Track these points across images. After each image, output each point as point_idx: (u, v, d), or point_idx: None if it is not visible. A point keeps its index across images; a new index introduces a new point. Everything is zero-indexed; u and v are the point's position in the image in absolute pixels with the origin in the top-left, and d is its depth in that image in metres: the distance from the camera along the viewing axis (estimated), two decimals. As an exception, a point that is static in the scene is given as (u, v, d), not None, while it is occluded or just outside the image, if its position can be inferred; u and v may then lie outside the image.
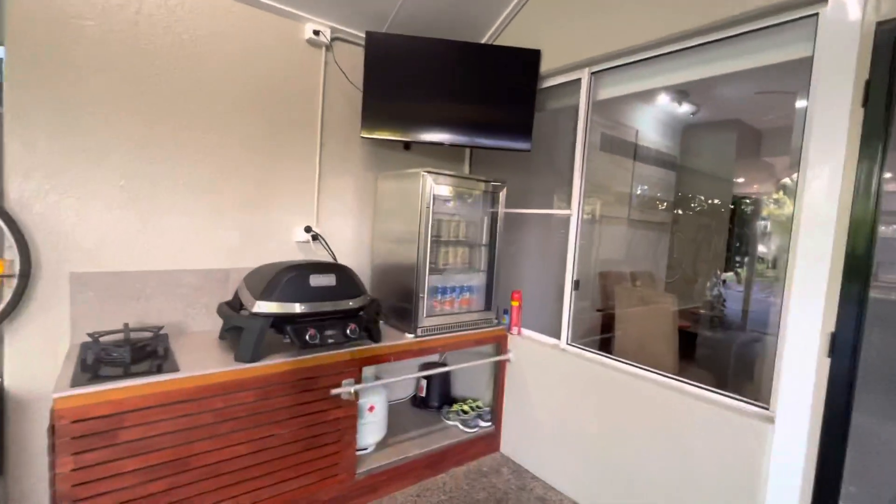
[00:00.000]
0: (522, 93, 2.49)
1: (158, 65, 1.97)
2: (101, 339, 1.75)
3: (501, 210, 2.59)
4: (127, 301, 1.97)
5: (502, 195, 2.58)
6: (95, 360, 1.63)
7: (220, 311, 1.91)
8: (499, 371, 2.66)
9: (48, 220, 1.78)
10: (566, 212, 2.43)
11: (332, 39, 2.42)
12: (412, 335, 2.27)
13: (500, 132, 2.51)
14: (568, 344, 2.40)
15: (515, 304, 2.60)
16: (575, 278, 2.39)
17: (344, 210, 2.60)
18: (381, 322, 2.40)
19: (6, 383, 1.75)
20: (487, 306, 2.64)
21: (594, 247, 2.83)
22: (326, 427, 1.95)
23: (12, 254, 1.70)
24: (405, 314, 2.32)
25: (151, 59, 1.95)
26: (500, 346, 2.64)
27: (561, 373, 2.33)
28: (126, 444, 1.50)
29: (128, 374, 1.56)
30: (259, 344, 1.77)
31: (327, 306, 1.89)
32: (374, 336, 2.11)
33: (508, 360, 2.61)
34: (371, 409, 2.23)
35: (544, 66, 2.49)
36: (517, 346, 2.58)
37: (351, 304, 1.96)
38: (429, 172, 2.24)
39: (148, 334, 1.85)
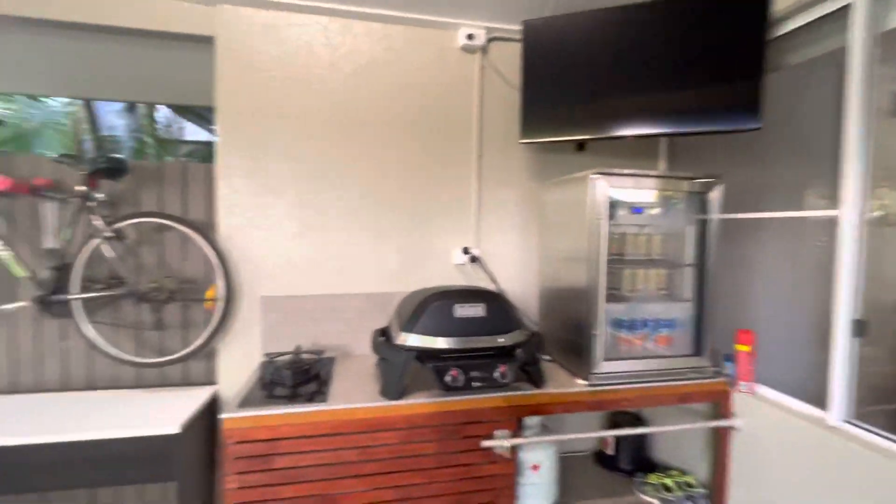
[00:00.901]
0: (743, 50, 1.76)
1: (325, 102, 2.09)
2: (276, 359, 1.88)
3: (715, 216, 1.87)
4: (304, 323, 2.11)
5: (716, 196, 1.87)
6: (269, 381, 1.74)
7: (372, 339, 1.85)
8: (719, 440, 1.90)
9: (245, 250, 2.04)
10: (830, 212, 1.57)
11: (488, 40, 2.20)
12: (585, 382, 1.79)
13: (711, 111, 1.82)
14: (843, 421, 1.51)
15: (744, 349, 1.83)
16: (856, 316, 1.50)
17: (505, 227, 2.32)
18: (547, 361, 2.00)
19: (220, 389, 2.05)
20: (697, 350, 1.93)
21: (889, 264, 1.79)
22: (477, 484, 1.65)
23: (218, 280, 1.99)
24: (576, 353, 1.86)
25: (320, 97, 2.08)
26: (721, 406, 1.88)
27: (827, 463, 1.48)
28: (280, 471, 1.51)
29: (286, 399, 1.60)
30: (403, 380, 1.61)
31: (474, 342, 1.61)
32: (535, 380, 1.73)
33: (734, 428, 1.84)
34: (535, 468, 1.83)
35: (780, 2, 1.72)
36: (749, 409, 1.80)
37: (501, 340, 1.63)
38: (601, 174, 1.75)
39: (314, 357, 1.92)
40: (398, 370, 1.60)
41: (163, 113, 5.01)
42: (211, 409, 1.95)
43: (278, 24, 2.03)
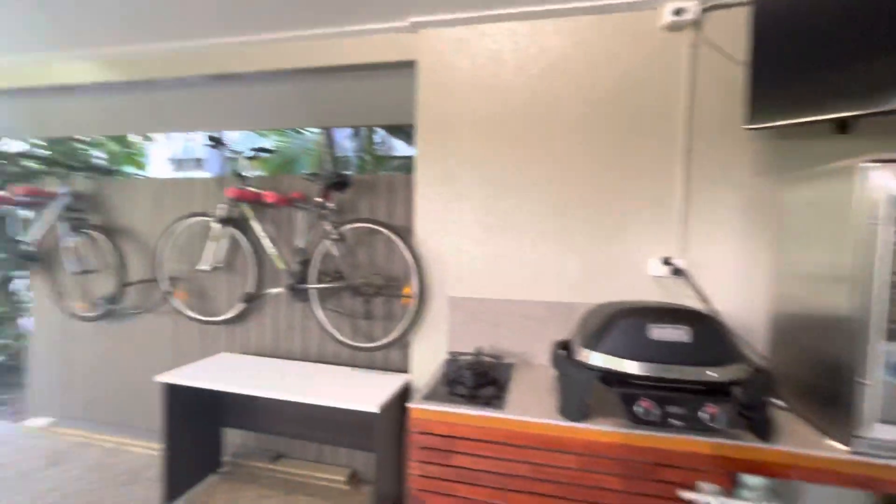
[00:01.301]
0: None
1: (510, 107, 2.09)
2: (459, 358, 1.97)
3: None
4: (486, 326, 2.15)
5: None
6: (451, 379, 1.82)
7: (552, 351, 1.76)
8: None
9: (437, 252, 2.21)
10: None
11: (703, 10, 1.84)
12: (845, 447, 1.31)
13: None
14: None
15: None
16: None
17: (721, 234, 1.90)
18: (780, 409, 1.55)
19: (411, 378, 2.27)
20: None
21: None
22: (673, 541, 1.38)
23: (413, 278, 2.20)
24: (830, 405, 1.38)
25: (506, 103, 2.10)
26: None
27: None
28: (456, 469, 1.56)
29: (465, 399, 1.65)
30: (584, 401, 1.47)
31: (673, 371, 1.35)
32: (760, 430, 1.35)
33: None
34: (756, 541, 1.44)
35: None
36: None
37: (712, 373, 1.32)
38: (880, 161, 1.25)
39: (493, 361, 1.94)
40: (579, 390, 1.47)
41: (380, 133, 5.92)
42: (403, 395, 2.17)
43: (469, 37, 2.13)
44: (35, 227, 3.04)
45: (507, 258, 2.13)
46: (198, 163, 11.00)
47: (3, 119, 3.56)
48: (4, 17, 2.55)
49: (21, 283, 4.08)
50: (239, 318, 2.73)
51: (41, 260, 3.16)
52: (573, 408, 1.48)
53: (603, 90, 2.00)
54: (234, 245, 2.69)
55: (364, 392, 2.06)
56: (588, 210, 2.03)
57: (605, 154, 2.00)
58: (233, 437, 2.72)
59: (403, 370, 2.36)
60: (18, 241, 3.05)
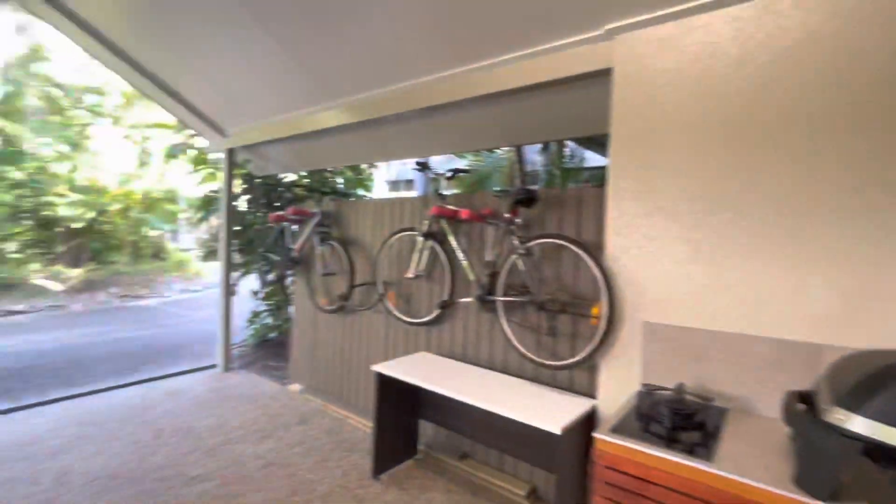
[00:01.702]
0: None
1: (726, 106, 1.77)
2: (655, 392, 1.75)
3: None
4: (687, 359, 1.87)
5: None
6: (645, 415, 1.64)
7: (785, 403, 1.40)
8: None
9: (630, 272, 2.03)
10: None
11: None
12: None
13: None
14: None
15: None
16: None
17: None
18: None
19: (598, 404, 2.13)
20: None
21: None
22: None
23: (602, 298, 2.06)
24: None
25: (720, 102, 1.79)
26: None
27: None
28: (649, 517, 1.39)
29: (662, 440, 1.46)
30: (836, 476, 1.12)
31: None
32: None
33: None
34: None
35: None
36: None
37: None
38: None
39: (699, 402, 1.66)
40: (830, 461, 1.13)
41: (570, 146, 5.81)
42: (588, 422, 2.05)
43: (675, 34, 1.90)
44: (298, 239, 4.03)
45: (720, 282, 1.80)
46: (408, 184, 12.81)
47: (283, 158, 4.85)
48: (290, 86, 3.48)
49: (290, 280, 5.46)
50: (436, 322, 3.05)
51: (301, 263, 4.17)
52: (818, 482, 1.15)
53: (863, 76, 1.51)
54: (434, 257, 3.02)
55: (546, 410, 2.03)
56: (840, 224, 1.56)
57: (864, 155, 1.51)
58: (426, 429, 3.03)
59: (589, 394, 2.23)
60: (290, 249, 4.09)
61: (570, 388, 2.37)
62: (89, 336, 6.64)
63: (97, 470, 2.75)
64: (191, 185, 12.35)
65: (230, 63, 3.54)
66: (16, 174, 9.65)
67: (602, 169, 4.31)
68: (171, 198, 12.30)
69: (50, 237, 10.74)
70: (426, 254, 3.00)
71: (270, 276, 4.59)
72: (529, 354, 2.43)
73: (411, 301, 3.26)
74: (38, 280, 9.22)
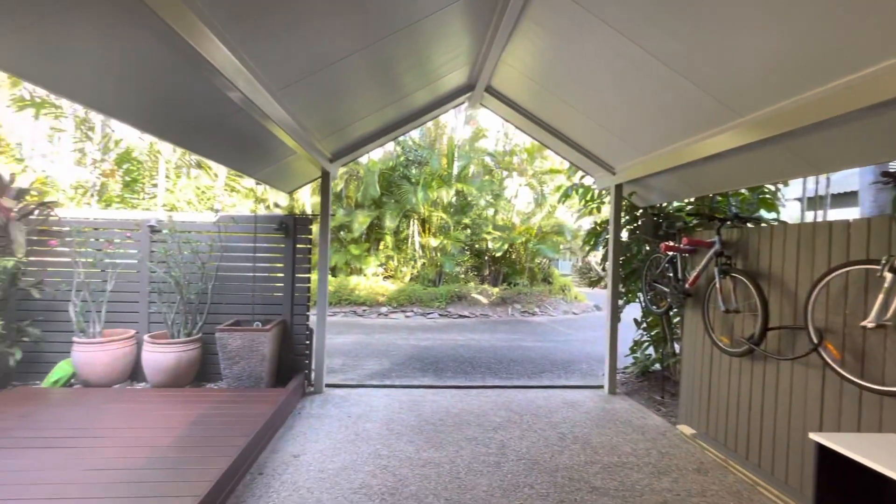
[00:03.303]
0: None
1: None
2: None
3: None
4: None
5: None
6: None
7: None
8: None
9: None
10: None
11: None
12: None
13: None
14: None
15: None
16: None
17: None
18: None
19: None
20: None
21: None
22: None
23: None
24: None
25: None
26: None
27: None
28: None
29: None
30: None
31: None
32: None
33: None
34: None
35: None
36: None
37: None
38: None
39: None
40: None
41: None
42: None
43: None
44: (692, 270, 3.78)
45: None
46: (841, 199, 9.70)
47: (668, 186, 4.72)
48: (686, 109, 3.37)
49: (675, 312, 5.20)
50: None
51: (693, 296, 3.88)
52: None
53: None
54: (916, 301, 2.12)
55: None
56: None
57: None
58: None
59: None
60: (680, 280, 3.90)
61: None
62: (504, 341, 8.59)
63: (523, 451, 3.47)
64: (572, 219, 14.10)
65: (614, 101, 3.83)
66: (465, 220, 14.00)
67: None
68: (558, 231, 14.37)
69: (481, 263, 14.78)
70: (899, 296, 2.15)
71: (655, 307, 4.52)
72: None
73: (871, 358, 2.40)
74: (474, 294, 12.83)
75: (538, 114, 4.99)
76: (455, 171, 13.86)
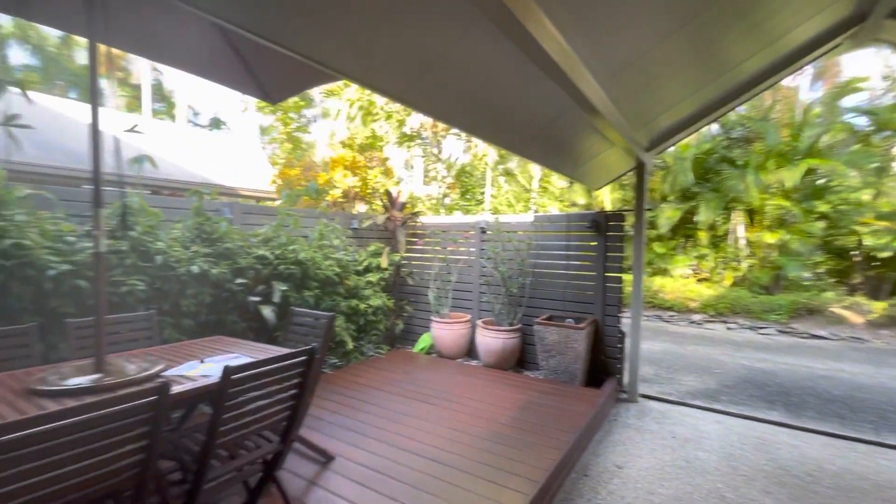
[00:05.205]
0: None
1: None
2: None
3: None
4: None
5: None
6: None
7: None
8: None
9: None
10: None
11: None
12: None
13: None
14: None
15: None
16: None
17: None
18: None
19: None
20: None
21: None
22: None
23: None
24: None
25: None
26: None
27: None
28: None
29: None
30: None
31: None
32: None
33: None
34: None
35: None
36: None
37: None
38: None
39: None
40: None
41: None
42: None
43: None
44: None
45: None
46: None
47: None
48: None
49: None
50: None
51: None
52: None
53: None
54: None
55: None
56: None
57: None
58: None
59: None
60: None
61: None
62: (905, 381, 5.83)
63: None
64: None
65: None
66: (822, 207, 10.32)
67: None
68: None
69: (847, 267, 10.68)
70: None
71: None
72: None
73: None
74: (836, 308, 9.35)
75: None
76: (805, 143, 10.49)
